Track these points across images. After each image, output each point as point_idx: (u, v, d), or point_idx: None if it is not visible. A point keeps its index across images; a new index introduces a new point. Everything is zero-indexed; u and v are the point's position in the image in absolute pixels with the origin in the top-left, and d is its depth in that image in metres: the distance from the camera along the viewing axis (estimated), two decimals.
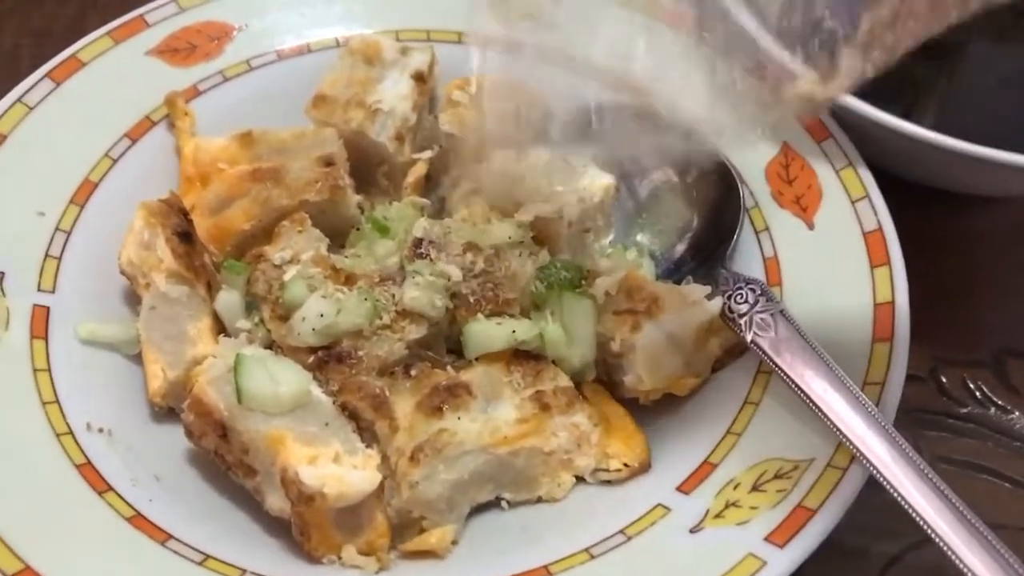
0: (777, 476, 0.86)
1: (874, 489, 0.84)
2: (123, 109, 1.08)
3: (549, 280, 0.95)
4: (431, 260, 0.95)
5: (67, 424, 0.89)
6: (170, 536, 0.84)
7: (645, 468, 0.91)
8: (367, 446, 0.87)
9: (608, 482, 0.91)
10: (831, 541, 0.83)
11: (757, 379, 0.93)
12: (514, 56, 0.89)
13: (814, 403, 0.86)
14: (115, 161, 1.05)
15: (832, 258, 0.99)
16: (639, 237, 1.06)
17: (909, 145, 0.99)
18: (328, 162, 1.02)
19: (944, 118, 1.12)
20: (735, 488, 0.86)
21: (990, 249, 1.16)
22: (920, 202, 1.09)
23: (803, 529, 0.81)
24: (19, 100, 1.05)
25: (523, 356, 0.92)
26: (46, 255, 0.98)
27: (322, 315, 0.90)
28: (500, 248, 0.96)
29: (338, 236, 1.02)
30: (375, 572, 0.85)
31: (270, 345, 0.93)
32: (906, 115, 0.99)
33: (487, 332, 0.92)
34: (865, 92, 1.00)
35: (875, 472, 0.82)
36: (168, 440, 0.92)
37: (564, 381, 0.92)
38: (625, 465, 0.90)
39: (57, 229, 1.00)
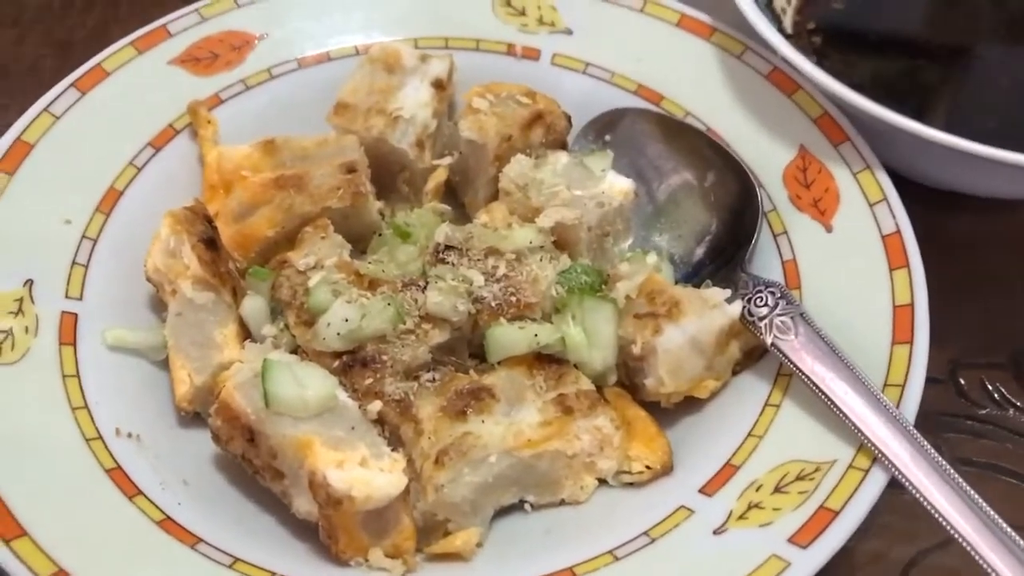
0: (799, 478, 0.86)
1: (893, 492, 0.85)
2: (147, 118, 1.10)
3: (570, 284, 0.96)
4: (453, 265, 0.96)
5: (96, 429, 0.90)
6: (200, 539, 0.85)
7: (667, 470, 0.91)
8: (393, 449, 0.87)
9: (631, 484, 0.92)
10: (851, 544, 0.84)
11: (778, 381, 0.93)
12: None
13: (835, 405, 0.87)
14: (140, 169, 1.07)
15: (851, 261, 0.99)
16: (658, 240, 1.06)
17: (925, 147, 0.99)
18: (350, 169, 1.03)
19: (955, 121, 1.13)
20: (757, 490, 0.86)
21: (1008, 251, 1.17)
22: (937, 204, 1.09)
23: (826, 530, 0.82)
24: (45, 110, 1.07)
25: (545, 360, 0.93)
26: (73, 262, 1.00)
27: (347, 320, 0.91)
28: (521, 253, 0.97)
29: (360, 242, 1.04)
30: (401, 574, 0.85)
31: (295, 350, 0.95)
32: (917, 118, 1.00)
33: (509, 336, 0.93)
34: (877, 96, 1.01)
35: (897, 473, 0.83)
36: (195, 445, 0.93)
37: (586, 384, 0.93)
38: (647, 467, 0.91)
39: (84, 237, 1.01)
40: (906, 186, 1.04)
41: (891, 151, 1.05)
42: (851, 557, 0.93)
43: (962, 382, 1.07)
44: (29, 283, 0.97)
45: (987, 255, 1.16)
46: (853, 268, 0.98)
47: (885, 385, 0.89)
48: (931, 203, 1.07)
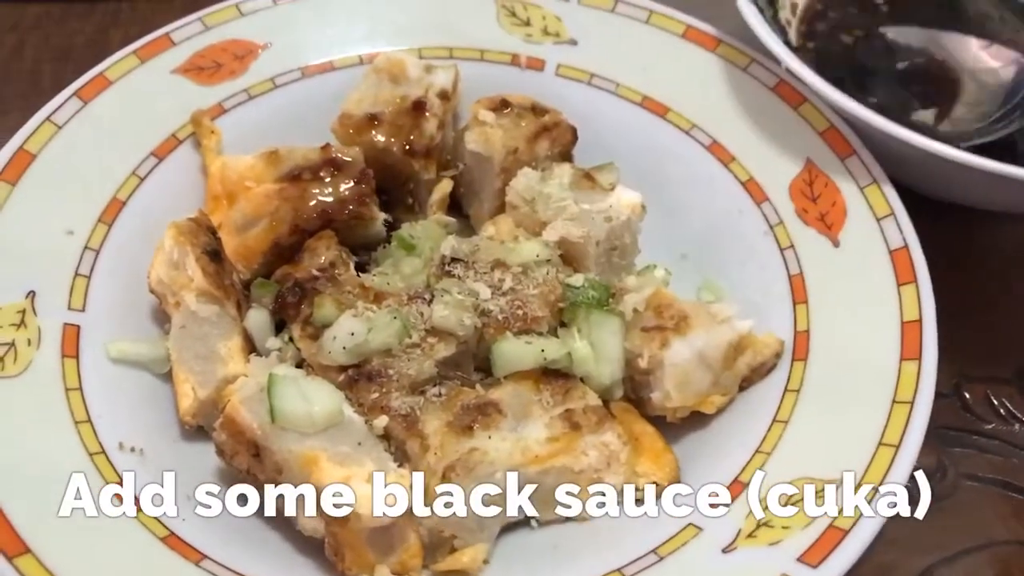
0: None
1: None
2: (150, 127, 1.09)
3: (577, 298, 0.96)
4: (459, 278, 0.95)
5: (99, 443, 0.89)
6: (204, 556, 0.84)
7: None
8: (399, 465, 0.87)
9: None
10: (860, 558, 0.83)
11: (786, 397, 0.93)
12: None
13: None
14: (142, 179, 1.06)
15: (858, 276, 0.99)
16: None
17: (931, 161, 0.99)
18: (355, 180, 1.02)
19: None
20: (766, 508, 0.86)
21: (1012, 265, 1.17)
22: (942, 218, 1.09)
23: (836, 549, 0.81)
24: (48, 119, 1.06)
25: (552, 374, 0.92)
26: (76, 274, 0.98)
27: (353, 334, 0.90)
28: (528, 266, 0.96)
29: (364, 254, 1.03)
30: None
31: (300, 364, 0.94)
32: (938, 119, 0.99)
33: (516, 350, 0.92)
34: (885, 105, 1.01)
35: None
36: (199, 459, 0.92)
37: (593, 399, 0.92)
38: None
39: (86, 248, 1.00)
40: (912, 199, 1.04)
41: (898, 165, 1.05)
42: (860, 571, 0.92)
43: (968, 397, 1.07)
44: (31, 295, 0.96)
45: (993, 268, 1.16)
46: (860, 283, 0.98)
47: (894, 402, 0.89)
48: (937, 216, 1.07)
